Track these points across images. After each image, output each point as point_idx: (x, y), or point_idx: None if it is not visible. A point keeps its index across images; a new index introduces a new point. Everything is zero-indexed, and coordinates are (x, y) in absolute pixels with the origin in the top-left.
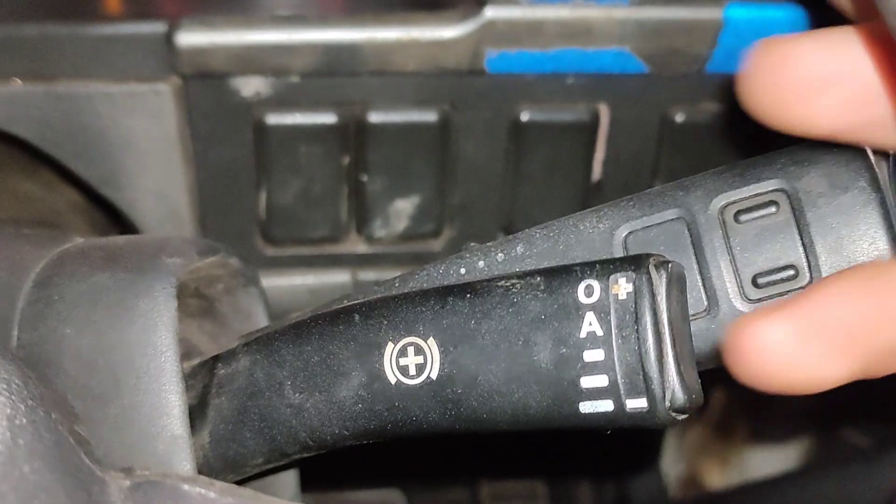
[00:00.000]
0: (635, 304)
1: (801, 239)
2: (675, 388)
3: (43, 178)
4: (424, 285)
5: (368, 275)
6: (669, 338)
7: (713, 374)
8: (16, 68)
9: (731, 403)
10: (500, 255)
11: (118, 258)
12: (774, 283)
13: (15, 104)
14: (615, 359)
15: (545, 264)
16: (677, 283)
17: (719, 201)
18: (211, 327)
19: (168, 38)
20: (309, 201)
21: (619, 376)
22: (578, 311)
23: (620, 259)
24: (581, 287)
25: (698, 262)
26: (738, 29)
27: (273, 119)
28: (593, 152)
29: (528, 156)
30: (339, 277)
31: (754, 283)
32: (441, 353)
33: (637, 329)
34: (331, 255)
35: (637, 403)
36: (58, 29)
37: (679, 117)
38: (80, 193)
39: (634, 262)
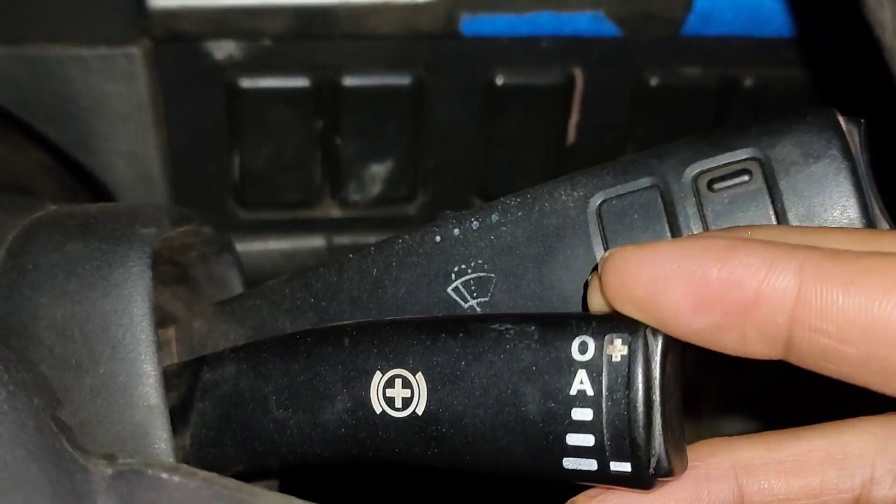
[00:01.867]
0: (629, 368)
1: (774, 207)
2: (660, 455)
3: (11, 140)
4: (400, 253)
5: (343, 239)
6: (659, 405)
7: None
8: None
9: (702, 370)
10: (474, 222)
11: (92, 227)
12: None
13: None
14: (603, 421)
15: (520, 232)
16: (672, 349)
17: (693, 169)
18: (185, 294)
19: (139, 1)
20: (282, 165)
21: (605, 438)
22: (570, 367)
23: (617, 318)
24: (575, 343)
25: (671, 230)
26: None
27: (246, 82)
28: (568, 116)
29: (503, 120)
30: (313, 242)
31: None
32: (429, 389)
33: (628, 394)
34: (305, 219)
35: (621, 467)
36: None
37: (653, 81)
38: (51, 156)
39: (631, 325)
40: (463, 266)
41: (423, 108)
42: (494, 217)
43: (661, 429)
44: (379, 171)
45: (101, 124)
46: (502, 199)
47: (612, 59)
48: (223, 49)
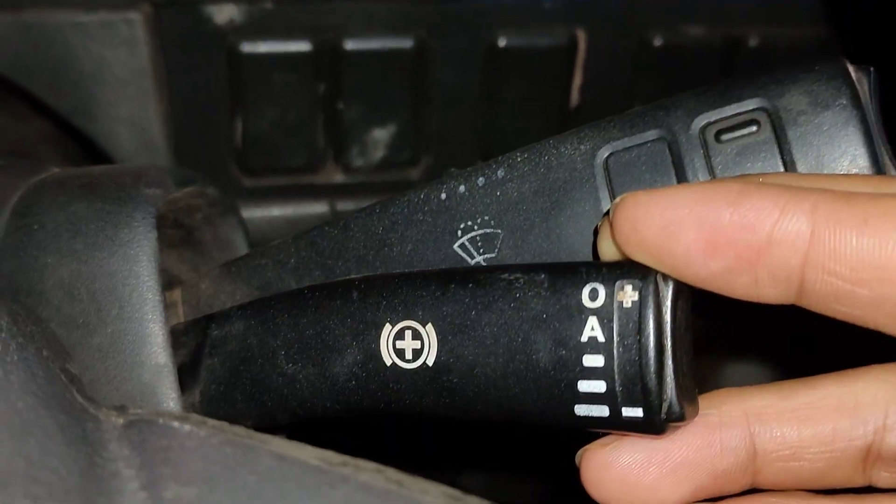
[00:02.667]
0: (640, 313)
1: (783, 157)
2: (672, 400)
3: (13, 109)
4: (405, 211)
5: (346, 205)
6: (671, 350)
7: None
8: None
9: (708, 325)
10: (480, 179)
11: (96, 188)
12: None
13: None
14: (615, 367)
15: (526, 187)
16: (683, 295)
17: (700, 121)
18: (191, 256)
19: None
20: (285, 130)
21: (616, 384)
22: (581, 314)
23: (627, 264)
24: (585, 290)
25: (679, 182)
26: None
27: (247, 47)
28: (571, 78)
29: (506, 82)
30: (317, 208)
31: None
32: (439, 340)
33: (639, 339)
34: (308, 185)
35: (633, 412)
36: None
37: (657, 41)
38: (52, 124)
39: (642, 271)
40: (469, 223)
41: (425, 72)
42: (500, 173)
43: (672, 374)
44: (382, 135)
45: (102, 90)
46: (508, 154)
47: (616, 20)
48: (224, 13)
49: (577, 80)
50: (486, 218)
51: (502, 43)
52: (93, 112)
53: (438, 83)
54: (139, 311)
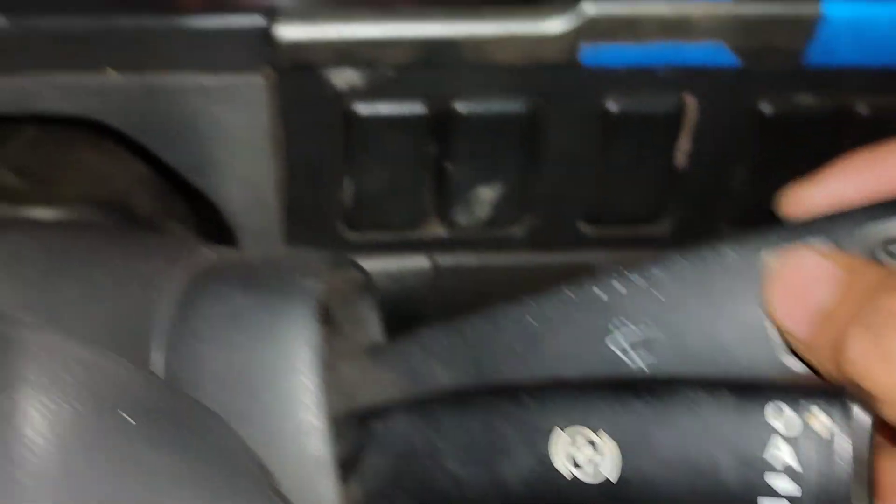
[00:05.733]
0: (833, 439)
1: None
2: None
3: (108, 150)
4: (559, 307)
5: (447, 259)
6: (863, 478)
7: None
8: (110, 59)
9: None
10: (638, 279)
11: (256, 279)
12: None
13: (108, 94)
14: (805, 493)
15: (687, 290)
16: (874, 423)
17: (869, 232)
18: (328, 334)
19: (266, 32)
20: (393, 188)
21: None
22: (768, 436)
23: (818, 386)
24: (773, 411)
25: None
26: (837, 24)
27: (363, 109)
28: (679, 142)
29: (613, 145)
30: (417, 262)
31: None
32: (622, 454)
33: (832, 467)
34: (410, 240)
35: None
36: (153, 20)
37: (768, 110)
38: (146, 165)
39: (835, 394)
40: (627, 324)
41: (535, 134)
42: (659, 273)
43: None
44: (487, 193)
45: (220, 150)
46: (668, 255)
47: (727, 88)
48: (344, 77)
49: (684, 145)
50: (646, 320)
51: (613, 108)
52: (209, 170)
53: (548, 145)
54: (300, 404)
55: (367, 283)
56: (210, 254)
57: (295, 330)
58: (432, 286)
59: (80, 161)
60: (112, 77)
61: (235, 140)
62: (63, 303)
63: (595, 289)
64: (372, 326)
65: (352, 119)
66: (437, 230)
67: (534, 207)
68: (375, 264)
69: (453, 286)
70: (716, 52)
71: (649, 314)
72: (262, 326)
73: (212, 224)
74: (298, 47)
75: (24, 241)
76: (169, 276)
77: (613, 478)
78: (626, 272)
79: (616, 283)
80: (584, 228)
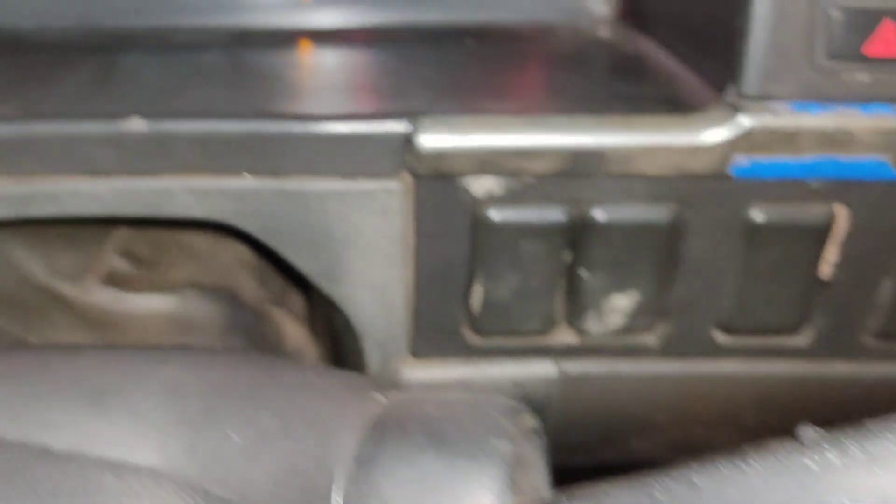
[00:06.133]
0: None
1: None
2: None
3: (212, 234)
4: (764, 475)
5: (574, 366)
6: None
7: None
8: (247, 163)
9: None
10: (854, 448)
11: (441, 436)
12: None
13: (243, 198)
14: None
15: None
16: None
17: None
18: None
19: (408, 139)
20: (524, 295)
21: None
22: None
23: None
24: None
25: None
26: None
27: (499, 216)
28: (825, 252)
29: (756, 254)
30: (544, 368)
31: None
32: None
33: None
34: (538, 346)
35: None
36: (294, 125)
37: None
38: (248, 248)
39: None
40: (842, 498)
41: (675, 243)
42: (873, 444)
43: None
44: (621, 302)
45: (351, 255)
46: (885, 420)
47: (882, 201)
48: (483, 185)
49: (831, 256)
50: (862, 494)
51: (758, 217)
52: (339, 275)
53: (687, 253)
54: None
55: (538, 430)
56: (379, 397)
57: (487, 501)
58: (559, 393)
59: (189, 246)
60: (248, 181)
61: (368, 245)
62: (231, 448)
63: (804, 457)
64: (541, 473)
65: (485, 225)
66: (565, 337)
67: (667, 315)
68: (500, 370)
69: (580, 394)
70: (876, 167)
71: (867, 489)
72: (456, 494)
73: (325, 320)
74: (441, 155)
75: (182, 375)
76: (342, 423)
77: None
78: (836, 439)
79: (828, 453)
80: (719, 337)
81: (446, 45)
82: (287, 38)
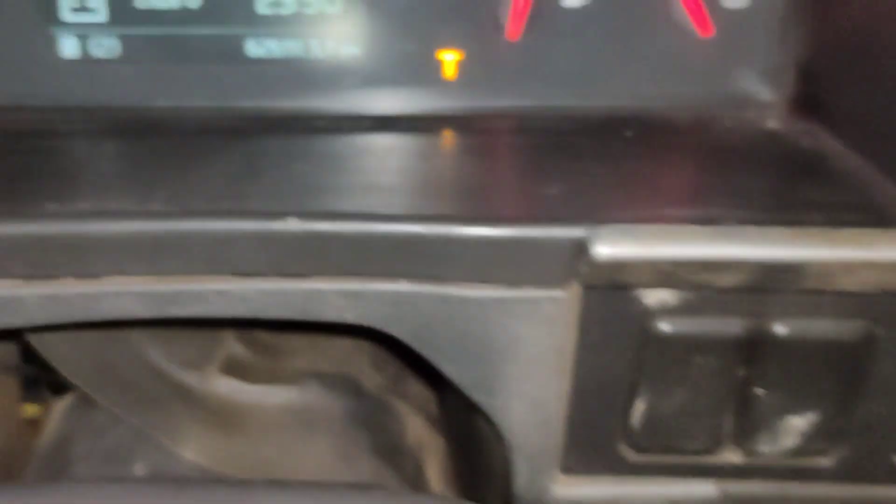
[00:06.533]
0: None
1: None
2: None
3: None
4: None
5: (740, 488)
6: None
7: None
8: (405, 268)
9: None
10: None
11: None
12: None
13: (398, 305)
14: None
15: None
16: None
17: None
18: None
19: (582, 246)
20: (690, 411)
21: None
22: None
23: None
24: None
25: None
26: None
27: (669, 327)
28: None
29: None
30: (705, 489)
31: None
32: None
33: None
34: (701, 465)
35: None
36: (457, 229)
37: None
38: (372, 342)
39: None
40: None
41: (862, 362)
42: None
43: None
44: (797, 423)
45: (510, 367)
46: None
47: None
48: (657, 296)
49: None
50: None
51: None
52: (494, 387)
53: (875, 373)
54: None
55: None
56: None
57: None
58: None
59: (310, 335)
60: (403, 286)
61: (528, 357)
62: None
63: None
64: None
65: (654, 337)
66: (732, 457)
67: (847, 438)
68: (656, 489)
69: None
70: None
71: None
72: None
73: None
74: (618, 267)
75: None
76: None
77: None
78: None
79: None
80: None
81: (605, 137)
82: (430, 125)
